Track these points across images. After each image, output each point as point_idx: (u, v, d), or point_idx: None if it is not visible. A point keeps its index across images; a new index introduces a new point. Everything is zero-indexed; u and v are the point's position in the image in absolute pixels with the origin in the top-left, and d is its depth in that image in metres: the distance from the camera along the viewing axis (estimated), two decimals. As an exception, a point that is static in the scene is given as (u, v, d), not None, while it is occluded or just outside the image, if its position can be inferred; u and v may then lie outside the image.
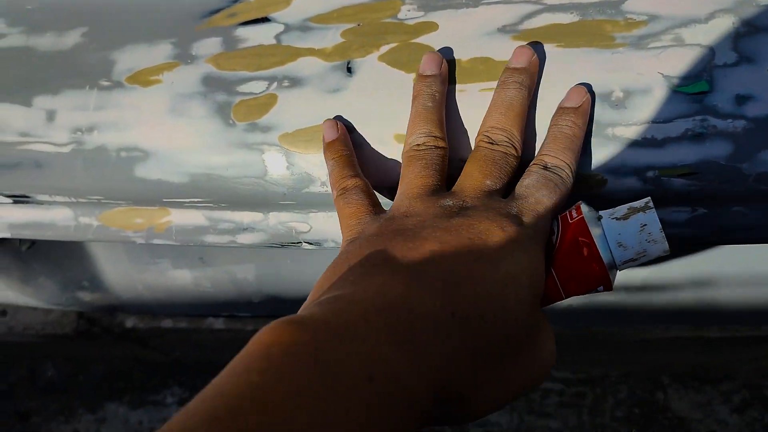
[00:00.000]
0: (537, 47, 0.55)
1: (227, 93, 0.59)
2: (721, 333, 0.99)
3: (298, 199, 0.58)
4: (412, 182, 0.47)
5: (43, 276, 0.82)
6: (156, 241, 0.63)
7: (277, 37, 0.61)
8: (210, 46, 0.61)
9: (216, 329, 1.07)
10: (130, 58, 0.62)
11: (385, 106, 0.56)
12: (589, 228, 0.46)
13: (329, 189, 0.58)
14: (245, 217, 0.61)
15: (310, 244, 0.61)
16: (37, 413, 1.38)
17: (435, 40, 0.59)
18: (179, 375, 1.38)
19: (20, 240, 0.78)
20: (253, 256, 0.86)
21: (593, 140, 0.54)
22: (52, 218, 0.65)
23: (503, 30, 0.58)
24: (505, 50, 0.57)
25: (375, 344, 0.33)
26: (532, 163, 0.53)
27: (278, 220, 0.62)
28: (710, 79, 0.54)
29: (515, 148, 0.52)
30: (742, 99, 0.53)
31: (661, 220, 0.49)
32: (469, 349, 0.37)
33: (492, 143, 0.52)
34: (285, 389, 0.29)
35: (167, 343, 1.15)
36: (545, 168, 0.51)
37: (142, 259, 0.86)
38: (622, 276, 0.79)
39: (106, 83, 0.61)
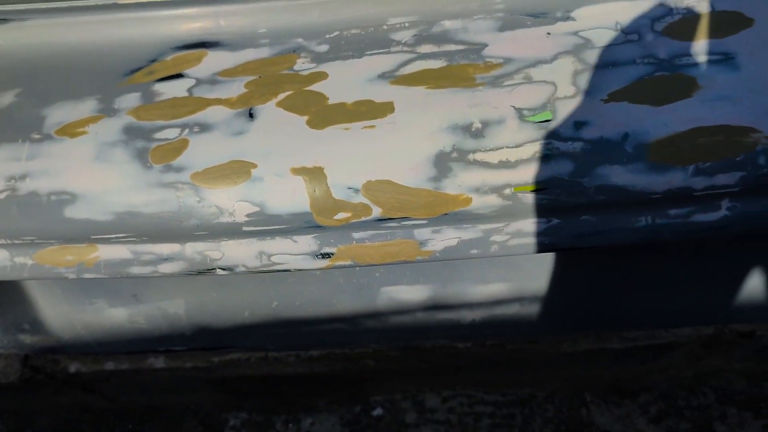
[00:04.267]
0: None
1: (145, 140, 0.67)
2: (622, 344, 1.09)
3: (210, 230, 0.67)
4: None
5: (-15, 320, 0.88)
6: (86, 276, 0.71)
7: (189, 90, 0.70)
8: (131, 100, 0.70)
9: (157, 368, 1.13)
10: (59, 113, 0.70)
11: (281, 144, 0.65)
12: None
13: (236, 219, 0.67)
14: (165, 248, 0.69)
15: (224, 269, 0.69)
16: (-14, 470, 1.40)
17: (325, 87, 0.69)
18: (127, 421, 1.42)
19: (-37, 285, 0.84)
20: (181, 291, 0.94)
21: (457, 165, 0.64)
22: (-11, 260, 0.72)
23: (383, 76, 0.69)
24: (385, 93, 0.68)
25: None
26: None
27: (194, 250, 0.70)
28: (553, 109, 0.65)
29: None
30: (579, 124, 0.64)
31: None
32: None
33: None
34: None
35: (112, 388, 1.20)
36: None
37: (79, 300, 0.93)
38: (510, 288, 0.88)
39: (37, 136, 0.69)
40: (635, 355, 1.12)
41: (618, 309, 0.97)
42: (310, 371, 1.17)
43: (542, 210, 0.64)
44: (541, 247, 0.67)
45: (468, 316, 0.91)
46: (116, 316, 0.93)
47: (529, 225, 0.66)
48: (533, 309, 0.92)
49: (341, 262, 0.69)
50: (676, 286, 0.97)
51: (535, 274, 0.90)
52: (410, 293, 0.89)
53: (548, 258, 0.88)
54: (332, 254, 0.68)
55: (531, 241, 0.67)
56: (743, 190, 0.64)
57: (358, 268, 0.71)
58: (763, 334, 1.06)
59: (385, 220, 0.65)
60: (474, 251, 0.67)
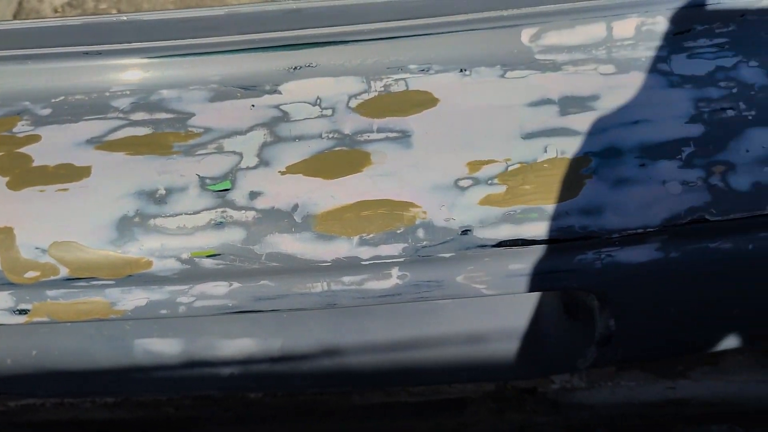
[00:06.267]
0: None
1: None
2: (411, 398, 1.12)
3: None
4: None
5: None
6: None
7: None
8: None
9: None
10: None
11: (-22, 205, 0.68)
12: None
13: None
14: None
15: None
16: None
17: (34, 150, 0.72)
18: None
19: None
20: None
21: (139, 229, 0.67)
22: None
23: (90, 141, 0.72)
24: (86, 158, 0.71)
25: None
26: None
27: None
28: (234, 179, 0.69)
29: None
30: (254, 195, 0.68)
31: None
32: None
33: None
34: None
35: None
36: None
37: None
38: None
39: None
40: (433, 409, 1.15)
41: (389, 365, 1.00)
42: (118, 417, 1.19)
43: (221, 274, 0.68)
44: (227, 309, 0.70)
45: (225, 369, 0.94)
46: None
47: (211, 288, 0.69)
48: (289, 365, 0.94)
49: (38, 319, 0.71)
50: (453, 343, 1.00)
51: (286, 330, 0.93)
52: (163, 346, 0.92)
53: (301, 315, 0.92)
54: (28, 311, 0.71)
55: (217, 303, 0.70)
56: (410, 261, 0.67)
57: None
58: (545, 390, 1.10)
59: (73, 279, 0.68)
60: (163, 311, 0.70)
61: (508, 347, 0.92)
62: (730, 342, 0.82)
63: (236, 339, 0.93)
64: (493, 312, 0.91)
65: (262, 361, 0.93)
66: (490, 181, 0.67)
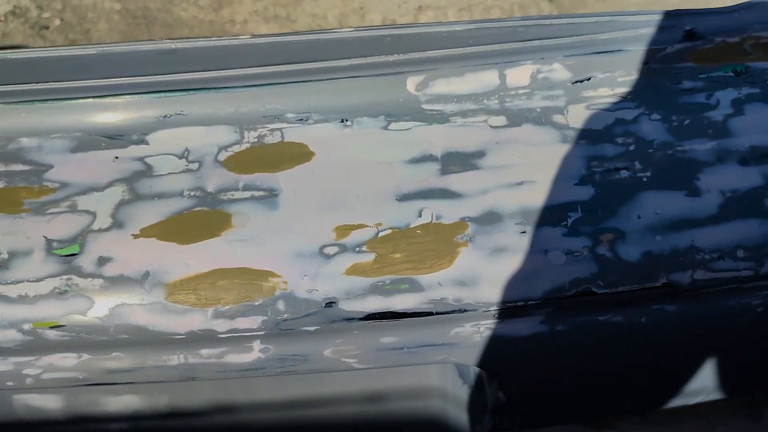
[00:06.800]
0: None
1: None
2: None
3: None
4: None
5: None
6: None
7: None
8: None
9: None
10: None
11: None
12: None
13: None
14: None
15: None
16: None
17: None
18: None
19: None
20: None
21: (-24, 297, 0.61)
22: None
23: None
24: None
25: None
26: None
27: None
28: (83, 242, 0.63)
29: None
30: (103, 260, 0.62)
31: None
32: None
33: None
34: None
35: None
36: None
37: None
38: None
39: None
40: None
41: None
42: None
43: (67, 346, 0.62)
44: (79, 382, 0.65)
45: (114, 426, 0.89)
46: None
47: (59, 360, 0.64)
48: (179, 421, 0.89)
49: None
50: (355, 403, 0.95)
51: (173, 387, 0.87)
52: (45, 401, 0.86)
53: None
54: None
55: (67, 375, 0.65)
56: (272, 334, 0.62)
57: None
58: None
59: None
60: (10, 383, 0.65)
61: (408, 408, 0.86)
62: (639, 407, 0.77)
63: (121, 395, 0.87)
64: (391, 375, 0.85)
65: (151, 416, 0.87)
66: (358, 249, 0.61)
